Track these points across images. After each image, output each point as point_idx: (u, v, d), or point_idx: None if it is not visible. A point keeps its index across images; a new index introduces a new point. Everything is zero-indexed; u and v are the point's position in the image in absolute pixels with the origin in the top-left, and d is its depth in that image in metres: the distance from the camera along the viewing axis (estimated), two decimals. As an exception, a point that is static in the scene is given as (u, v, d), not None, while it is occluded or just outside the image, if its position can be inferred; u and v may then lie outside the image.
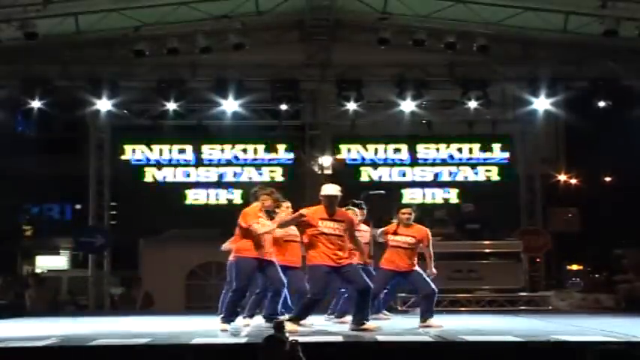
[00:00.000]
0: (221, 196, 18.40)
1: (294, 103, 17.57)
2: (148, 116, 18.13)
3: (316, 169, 18.43)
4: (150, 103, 17.74)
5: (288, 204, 10.37)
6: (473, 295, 15.40)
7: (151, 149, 18.39)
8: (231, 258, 10.03)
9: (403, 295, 14.86)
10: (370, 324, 9.52)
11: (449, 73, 17.37)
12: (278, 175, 18.40)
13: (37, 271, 22.07)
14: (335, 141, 18.60)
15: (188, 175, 18.48)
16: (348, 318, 10.03)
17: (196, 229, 18.41)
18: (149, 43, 16.14)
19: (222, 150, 18.57)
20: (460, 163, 18.61)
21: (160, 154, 18.42)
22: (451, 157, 18.63)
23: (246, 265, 9.59)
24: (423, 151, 18.65)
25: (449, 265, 14.83)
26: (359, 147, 18.60)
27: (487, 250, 15.87)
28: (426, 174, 18.59)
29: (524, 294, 15.95)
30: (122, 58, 16.71)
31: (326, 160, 18.39)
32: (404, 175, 18.62)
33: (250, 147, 18.55)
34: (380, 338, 8.51)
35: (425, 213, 13.72)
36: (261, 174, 18.37)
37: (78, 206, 23.64)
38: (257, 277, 9.91)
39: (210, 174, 18.49)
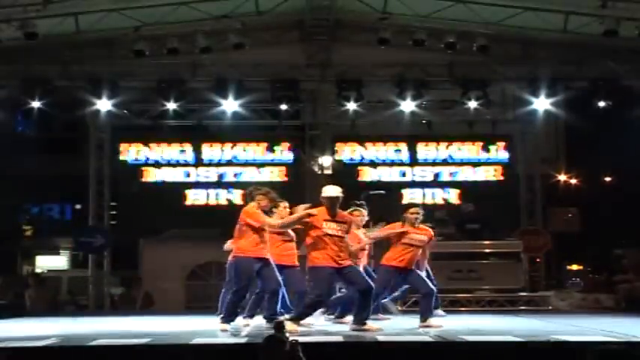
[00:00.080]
0: (221, 196, 18.42)
1: (294, 103, 17.57)
2: (148, 116, 18.14)
3: (316, 169, 18.43)
4: (150, 103, 17.74)
5: (286, 204, 10.38)
6: (473, 295, 15.40)
7: (151, 149, 18.40)
8: (230, 258, 10.04)
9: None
10: (371, 324, 9.54)
11: (449, 73, 17.36)
12: (278, 175, 18.42)
13: (37, 271, 22.04)
14: (335, 141, 18.61)
15: (188, 175, 18.51)
16: (348, 318, 10.05)
17: (196, 229, 18.39)
18: (149, 43, 16.13)
19: (222, 150, 18.59)
20: (460, 163, 18.63)
21: (160, 154, 18.44)
22: (451, 157, 18.66)
23: (246, 265, 9.59)
24: (423, 151, 18.67)
25: (449, 265, 14.85)
26: (359, 147, 18.61)
27: (487, 250, 15.87)
28: (426, 174, 18.61)
29: (524, 294, 15.95)
30: (122, 58, 16.70)
31: (326, 160, 18.39)
32: (404, 175, 18.64)
33: (250, 147, 18.57)
34: (380, 338, 8.52)
35: (425, 213, 13.69)
36: (260, 174, 18.38)
37: (78, 206, 23.63)
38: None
39: (210, 174, 18.51)
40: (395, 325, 10.47)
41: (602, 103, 16.66)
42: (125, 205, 19.11)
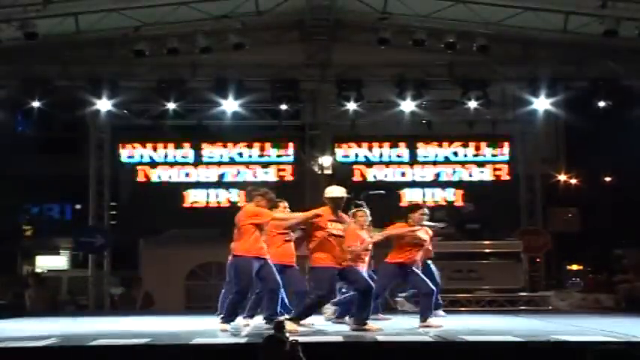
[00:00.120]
0: (221, 196, 18.41)
1: (294, 103, 17.56)
2: (148, 116, 18.12)
3: (316, 169, 18.43)
4: (150, 103, 17.73)
5: (286, 204, 10.38)
6: (473, 295, 15.42)
7: (151, 149, 18.41)
8: (230, 258, 10.03)
9: (404, 295, 14.86)
10: (371, 324, 9.55)
11: (449, 73, 17.36)
12: (278, 175, 18.40)
13: (37, 271, 22.05)
14: (335, 141, 18.61)
15: (188, 175, 18.50)
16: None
17: (196, 229, 18.40)
18: (149, 43, 16.13)
19: (223, 150, 18.58)
20: (460, 163, 18.62)
21: (160, 154, 18.43)
22: (451, 157, 18.64)
23: (246, 264, 9.58)
24: (423, 151, 18.66)
25: (449, 265, 14.84)
26: (359, 147, 18.60)
27: (487, 250, 15.89)
28: (426, 174, 18.60)
29: (524, 294, 15.97)
30: (122, 58, 16.69)
31: (326, 160, 18.39)
32: (404, 175, 18.63)
33: (250, 147, 18.56)
34: (380, 338, 8.53)
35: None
36: (261, 174, 18.38)
37: (78, 206, 23.65)
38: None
39: (210, 174, 18.50)
40: (395, 325, 10.48)
41: (602, 103, 16.65)
42: (125, 205, 19.10)
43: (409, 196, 18.35)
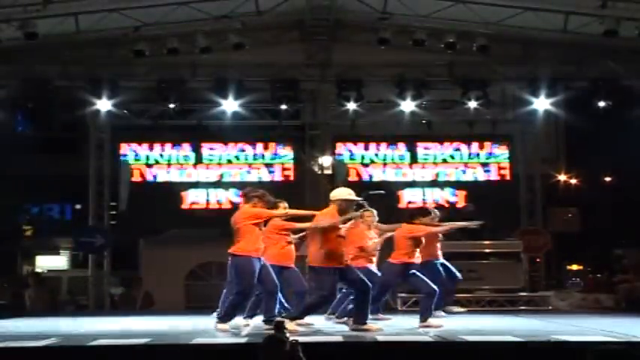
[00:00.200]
0: (221, 196, 18.41)
1: (294, 103, 17.57)
2: (148, 116, 18.13)
3: (316, 169, 18.43)
4: (150, 103, 17.74)
5: (285, 204, 10.37)
6: (473, 295, 15.39)
7: (151, 149, 18.40)
8: (230, 258, 10.01)
9: (404, 295, 14.88)
10: (371, 324, 9.55)
11: (449, 73, 17.37)
12: (278, 175, 18.41)
13: (37, 271, 22.04)
14: (335, 141, 18.60)
15: (188, 175, 18.49)
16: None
17: (196, 229, 18.39)
18: (149, 43, 16.13)
19: (222, 150, 18.58)
20: (460, 163, 18.62)
21: (160, 154, 18.43)
22: (451, 157, 18.65)
23: (247, 264, 9.56)
24: (423, 151, 18.66)
25: (449, 265, 14.80)
26: (359, 147, 18.60)
27: (487, 250, 15.88)
28: (426, 174, 18.60)
29: (524, 294, 15.95)
30: (122, 58, 16.69)
31: (326, 160, 18.39)
32: (404, 175, 18.62)
33: (250, 147, 18.56)
34: (380, 338, 8.53)
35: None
36: (260, 174, 18.38)
37: (78, 206, 23.63)
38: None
39: (210, 174, 18.50)
40: (395, 325, 10.48)
41: (602, 103, 16.66)
42: (125, 205, 19.09)
43: (409, 196, 18.34)
